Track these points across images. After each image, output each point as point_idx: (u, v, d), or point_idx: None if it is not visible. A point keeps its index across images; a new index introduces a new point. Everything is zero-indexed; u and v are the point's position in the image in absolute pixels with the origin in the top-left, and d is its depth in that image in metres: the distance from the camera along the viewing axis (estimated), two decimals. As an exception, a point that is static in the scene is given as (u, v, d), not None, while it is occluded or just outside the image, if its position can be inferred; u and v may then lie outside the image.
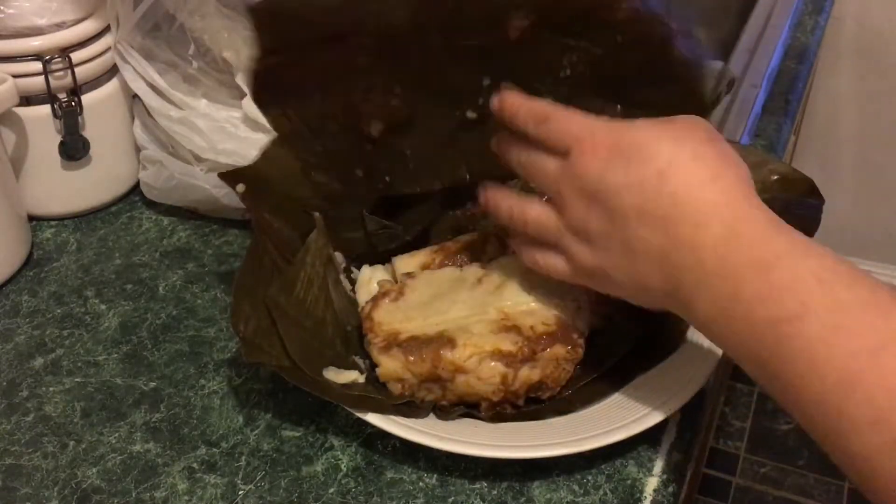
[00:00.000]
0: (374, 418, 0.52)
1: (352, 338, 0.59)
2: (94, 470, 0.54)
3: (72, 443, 0.56)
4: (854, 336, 0.37)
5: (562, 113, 0.49)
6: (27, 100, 0.69)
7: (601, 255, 0.47)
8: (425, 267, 0.62)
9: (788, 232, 0.42)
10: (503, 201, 0.54)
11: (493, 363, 0.54)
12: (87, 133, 0.72)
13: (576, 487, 0.52)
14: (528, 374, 0.54)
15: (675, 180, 0.43)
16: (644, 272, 0.46)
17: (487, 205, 0.55)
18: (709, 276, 0.42)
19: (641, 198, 0.44)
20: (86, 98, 0.71)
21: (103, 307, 0.66)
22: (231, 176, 0.60)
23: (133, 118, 0.75)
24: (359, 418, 0.53)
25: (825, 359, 0.37)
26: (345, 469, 0.54)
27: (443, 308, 0.57)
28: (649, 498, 0.52)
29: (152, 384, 0.60)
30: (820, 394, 0.37)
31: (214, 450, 0.55)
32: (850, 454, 0.37)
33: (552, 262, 0.52)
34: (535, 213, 0.51)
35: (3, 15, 0.66)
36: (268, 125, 0.70)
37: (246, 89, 0.70)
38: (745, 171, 0.45)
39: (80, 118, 0.71)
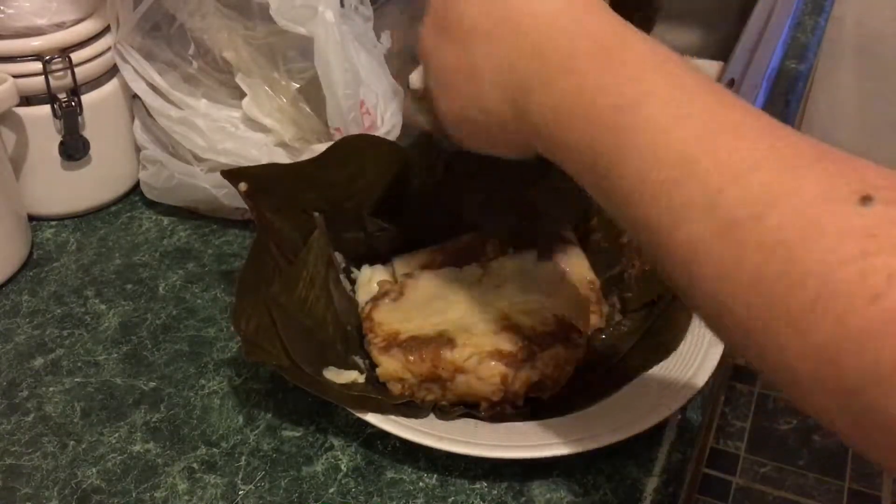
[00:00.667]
0: (374, 418, 0.52)
1: (352, 338, 0.59)
2: (94, 470, 0.54)
3: (72, 443, 0.56)
4: (694, 121, 0.36)
5: None
6: (27, 100, 0.69)
7: (449, 92, 0.46)
8: (425, 267, 0.62)
9: (637, 32, 0.41)
10: None
11: (493, 363, 0.54)
12: (87, 133, 0.72)
13: (576, 487, 0.52)
14: (528, 374, 0.54)
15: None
16: (488, 92, 0.44)
17: None
18: (553, 74, 0.40)
19: (490, 18, 0.43)
20: (86, 98, 0.71)
21: (103, 307, 0.66)
22: (233, 175, 0.60)
23: (133, 118, 0.75)
24: (359, 418, 0.53)
25: (664, 144, 0.35)
26: (345, 469, 0.54)
27: (443, 308, 0.57)
28: (649, 498, 0.52)
29: (152, 384, 0.60)
30: (655, 183, 0.36)
31: (214, 450, 0.55)
32: (676, 243, 0.35)
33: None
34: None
35: (3, 15, 0.66)
36: (267, 125, 0.70)
37: (246, 89, 0.70)
38: None
39: (80, 118, 0.71)
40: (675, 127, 0.36)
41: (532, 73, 0.41)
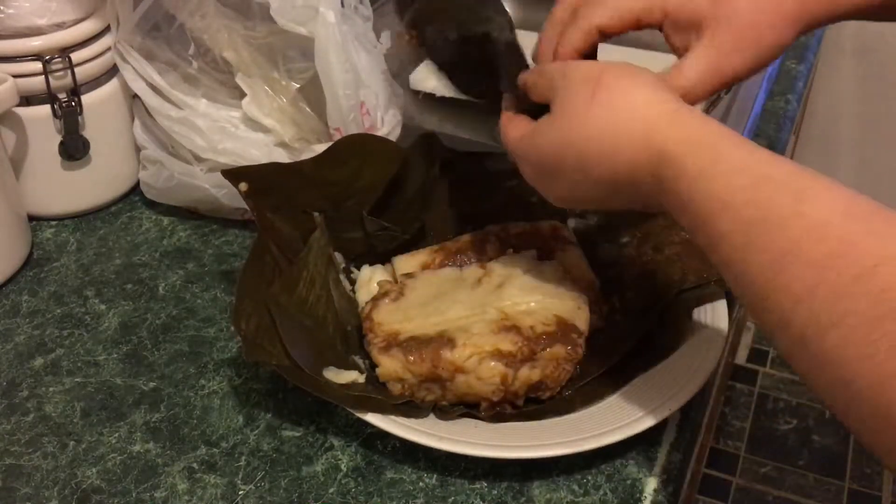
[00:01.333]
0: (374, 418, 0.52)
1: (352, 338, 0.59)
2: (94, 470, 0.54)
3: (72, 443, 0.56)
4: (735, 175, 0.40)
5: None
6: (27, 100, 0.69)
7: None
8: (425, 267, 0.62)
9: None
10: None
11: (492, 363, 0.54)
12: (87, 133, 0.72)
13: (576, 487, 0.52)
14: (527, 374, 0.54)
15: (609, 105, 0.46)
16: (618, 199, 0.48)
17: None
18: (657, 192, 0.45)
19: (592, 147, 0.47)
20: (86, 98, 0.71)
21: (103, 307, 0.66)
22: (233, 174, 0.60)
23: (133, 118, 0.75)
24: (359, 418, 0.53)
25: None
26: (345, 469, 0.54)
27: (443, 308, 0.57)
28: (649, 498, 0.52)
29: (152, 384, 0.60)
30: (727, 229, 0.39)
31: (214, 450, 0.55)
32: (747, 275, 0.39)
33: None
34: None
35: (3, 15, 0.66)
36: (267, 125, 0.70)
37: (246, 89, 0.70)
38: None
39: (80, 118, 0.71)
40: (720, 178, 0.41)
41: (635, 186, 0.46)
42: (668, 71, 0.51)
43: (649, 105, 0.45)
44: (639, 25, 0.52)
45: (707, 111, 0.79)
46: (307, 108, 0.71)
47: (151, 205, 0.77)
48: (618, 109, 0.45)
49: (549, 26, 0.55)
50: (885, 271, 0.34)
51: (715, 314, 0.59)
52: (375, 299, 0.59)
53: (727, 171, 0.41)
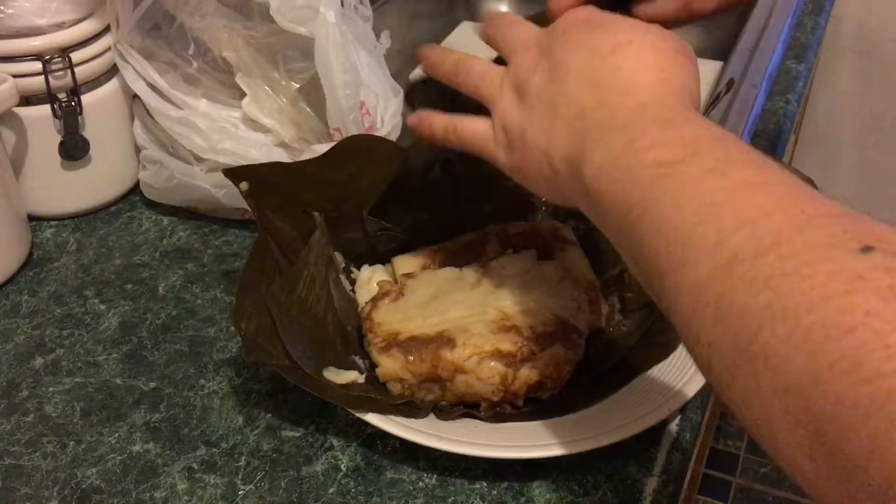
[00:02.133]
0: (374, 418, 0.52)
1: (352, 338, 0.59)
2: (94, 470, 0.54)
3: (72, 443, 0.56)
4: (726, 180, 0.37)
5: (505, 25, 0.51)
6: (27, 100, 0.69)
7: (526, 112, 0.48)
8: (425, 267, 0.62)
9: (709, 123, 0.42)
10: (449, 55, 0.53)
11: (492, 363, 0.54)
12: (87, 133, 0.72)
13: (576, 487, 0.52)
14: (527, 374, 0.54)
15: (625, 55, 0.45)
16: (556, 131, 0.46)
17: (428, 61, 0.54)
18: (613, 129, 0.42)
19: (587, 60, 0.45)
20: (86, 98, 0.71)
21: (103, 307, 0.66)
22: (234, 174, 0.60)
23: (133, 118, 0.75)
24: (359, 418, 0.53)
25: (691, 193, 0.37)
26: (345, 469, 0.54)
27: (442, 308, 0.57)
28: (649, 498, 0.52)
29: (152, 384, 0.60)
30: (674, 227, 0.37)
31: (214, 450, 0.55)
32: (681, 289, 0.36)
33: (472, 126, 0.52)
34: (481, 66, 0.52)
35: (3, 15, 0.66)
36: (267, 125, 0.70)
37: (246, 89, 0.70)
38: (696, 89, 0.46)
39: (80, 118, 0.71)
40: (706, 180, 0.37)
41: (594, 125, 0.43)
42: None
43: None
44: None
45: (707, 111, 0.79)
46: (307, 108, 0.71)
47: (151, 205, 0.77)
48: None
49: None
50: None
51: (715, 314, 0.59)
52: (375, 299, 0.59)
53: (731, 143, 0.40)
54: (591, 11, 0.48)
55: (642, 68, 0.44)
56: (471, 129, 0.52)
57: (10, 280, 0.69)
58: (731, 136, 0.40)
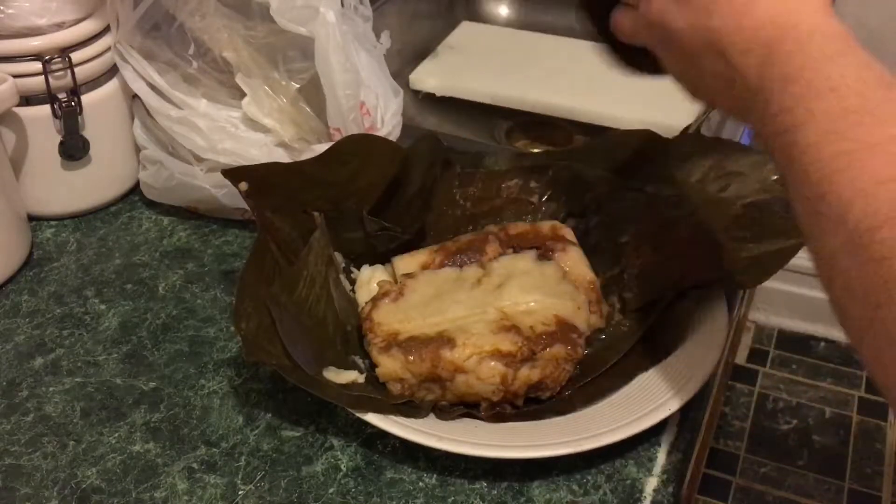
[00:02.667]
0: (374, 418, 0.52)
1: (352, 338, 0.59)
2: (94, 470, 0.54)
3: (72, 443, 0.56)
4: (841, 140, 0.38)
5: None
6: (27, 100, 0.69)
7: (693, 86, 0.49)
8: (425, 267, 0.62)
9: (824, 40, 0.42)
10: None
11: (492, 363, 0.54)
12: (87, 133, 0.72)
13: (576, 487, 0.52)
14: (527, 374, 0.54)
15: (718, 13, 0.45)
16: (723, 99, 0.47)
17: None
18: (754, 96, 0.43)
19: (693, 38, 0.46)
20: (86, 98, 0.71)
21: (103, 307, 0.66)
22: (234, 174, 0.60)
23: (133, 118, 0.75)
24: (359, 418, 0.53)
25: (812, 160, 0.38)
26: (345, 469, 0.54)
27: (442, 308, 0.57)
28: (649, 498, 0.52)
29: (152, 384, 0.60)
30: (807, 197, 0.39)
31: (214, 450, 0.55)
32: (819, 256, 0.39)
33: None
34: None
35: (3, 15, 0.66)
36: (267, 125, 0.70)
37: (246, 89, 0.70)
38: None
39: (80, 118, 0.71)
40: (824, 145, 0.38)
41: (745, 91, 0.44)
42: None
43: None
44: None
45: (706, 113, 0.79)
46: (307, 108, 0.71)
47: (151, 205, 0.77)
48: None
49: None
50: None
51: (715, 314, 0.59)
52: (375, 299, 0.59)
53: (851, 62, 0.40)
54: None
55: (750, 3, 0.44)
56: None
57: (10, 280, 0.69)
58: (849, 59, 0.41)
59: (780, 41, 0.42)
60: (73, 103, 0.70)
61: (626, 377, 0.56)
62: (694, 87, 0.50)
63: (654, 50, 0.50)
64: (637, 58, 0.54)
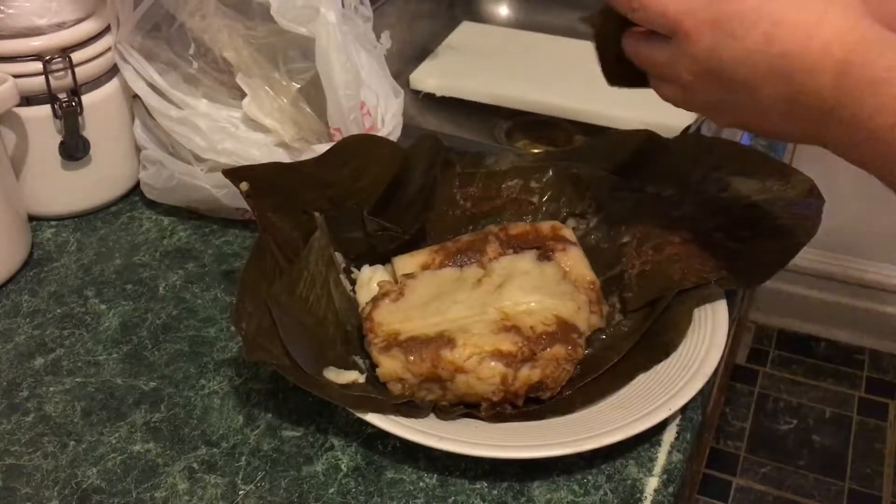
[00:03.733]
0: (374, 418, 0.52)
1: (352, 338, 0.59)
2: (94, 470, 0.54)
3: (72, 443, 0.56)
4: None
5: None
6: (27, 100, 0.69)
7: (731, 116, 0.52)
8: (425, 267, 0.62)
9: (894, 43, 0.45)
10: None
11: (492, 363, 0.54)
12: (87, 133, 0.72)
13: (576, 487, 0.52)
14: (527, 374, 0.54)
15: (781, 39, 0.46)
16: (776, 123, 0.49)
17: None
18: (831, 109, 0.45)
19: (755, 67, 0.47)
20: (86, 98, 0.71)
21: (103, 307, 0.66)
22: (234, 174, 0.60)
23: (133, 118, 0.75)
24: (359, 418, 0.53)
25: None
26: (345, 469, 0.54)
27: (443, 308, 0.57)
28: (649, 498, 0.52)
29: (152, 384, 0.60)
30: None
31: (214, 450, 0.55)
32: None
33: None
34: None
35: (3, 15, 0.66)
36: (268, 125, 0.71)
37: (246, 89, 0.70)
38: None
39: (80, 118, 0.71)
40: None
41: (812, 110, 0.46)
42: None
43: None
44: None
45: (701, 120, 0.79)
46: (307, 109, 0.71)
47: (151, 205, 0.77)
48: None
49: None
50: None
51: (715, 314, 0.59)
52: (375, 299, 0.59)
53: None
54: (700, 11, 0.48)
55: (804, 36, 0.46)
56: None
57: (11, 280, 0.69)
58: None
59: (854, 52, 0.44)
60: (73, 103, 0.70)
61: (626, 377, 0.56)
62: (738, 117, 0.51)
63: (690, 82, 0.50)
64: (635, 77, 0.55)
